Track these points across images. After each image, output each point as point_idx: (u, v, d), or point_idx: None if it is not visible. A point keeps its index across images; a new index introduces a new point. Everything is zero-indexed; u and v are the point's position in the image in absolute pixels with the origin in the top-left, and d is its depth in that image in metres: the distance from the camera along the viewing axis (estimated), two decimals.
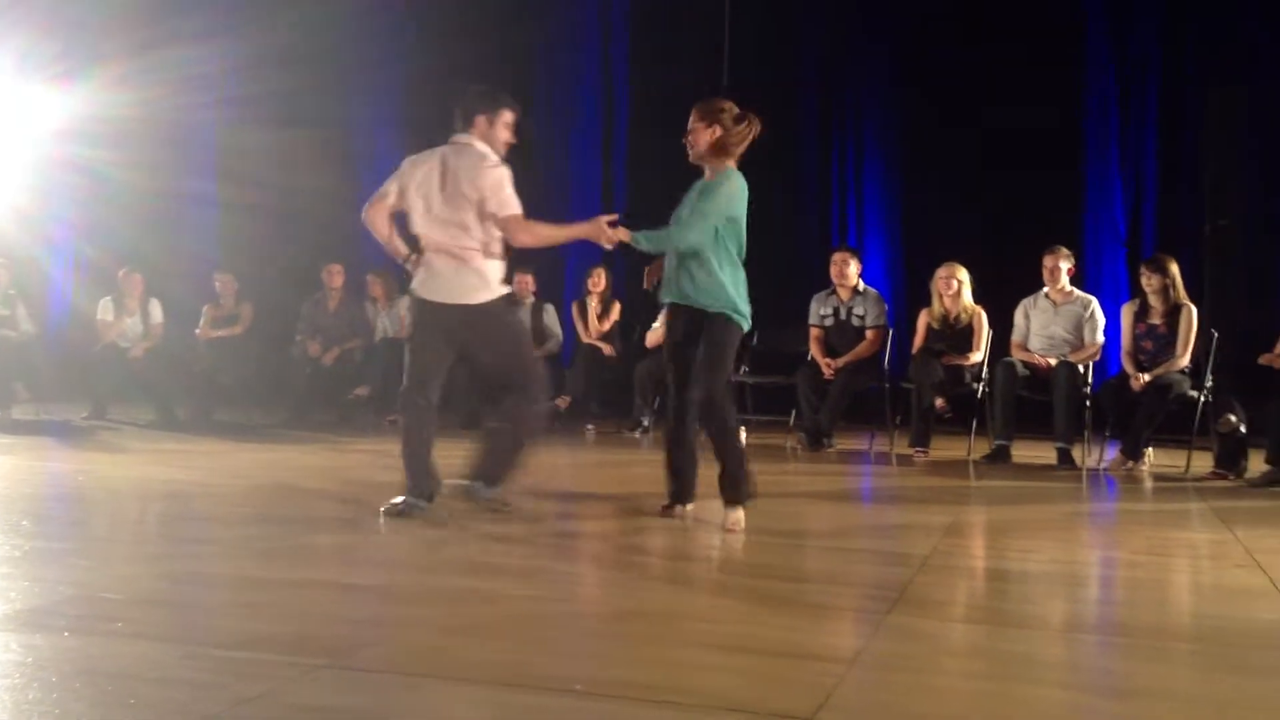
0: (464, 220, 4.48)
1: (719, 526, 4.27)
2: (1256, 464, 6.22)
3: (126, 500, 4.96)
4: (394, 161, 4.83)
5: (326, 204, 10.15)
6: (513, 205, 4.48)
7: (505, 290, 4.61)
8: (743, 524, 4.25)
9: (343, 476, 5.71)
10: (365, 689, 2.30)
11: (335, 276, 9.21)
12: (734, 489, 4.35)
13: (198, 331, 9.31)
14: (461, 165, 4.50)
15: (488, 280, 4.51)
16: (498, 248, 4.57)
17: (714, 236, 4.34)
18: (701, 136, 4.42)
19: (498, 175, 4.49)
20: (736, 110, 4.44)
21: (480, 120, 4.60)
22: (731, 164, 4.43)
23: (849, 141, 10.25)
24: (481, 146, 4.57)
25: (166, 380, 8.77)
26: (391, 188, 4.60)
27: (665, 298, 4.52)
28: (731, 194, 4.36)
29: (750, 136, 4.43)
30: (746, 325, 4.42)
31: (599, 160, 11.01)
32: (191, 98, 10.62)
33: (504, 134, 4.65)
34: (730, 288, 4.34)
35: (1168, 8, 9.35)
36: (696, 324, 4.37)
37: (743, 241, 4.42)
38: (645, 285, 4.72)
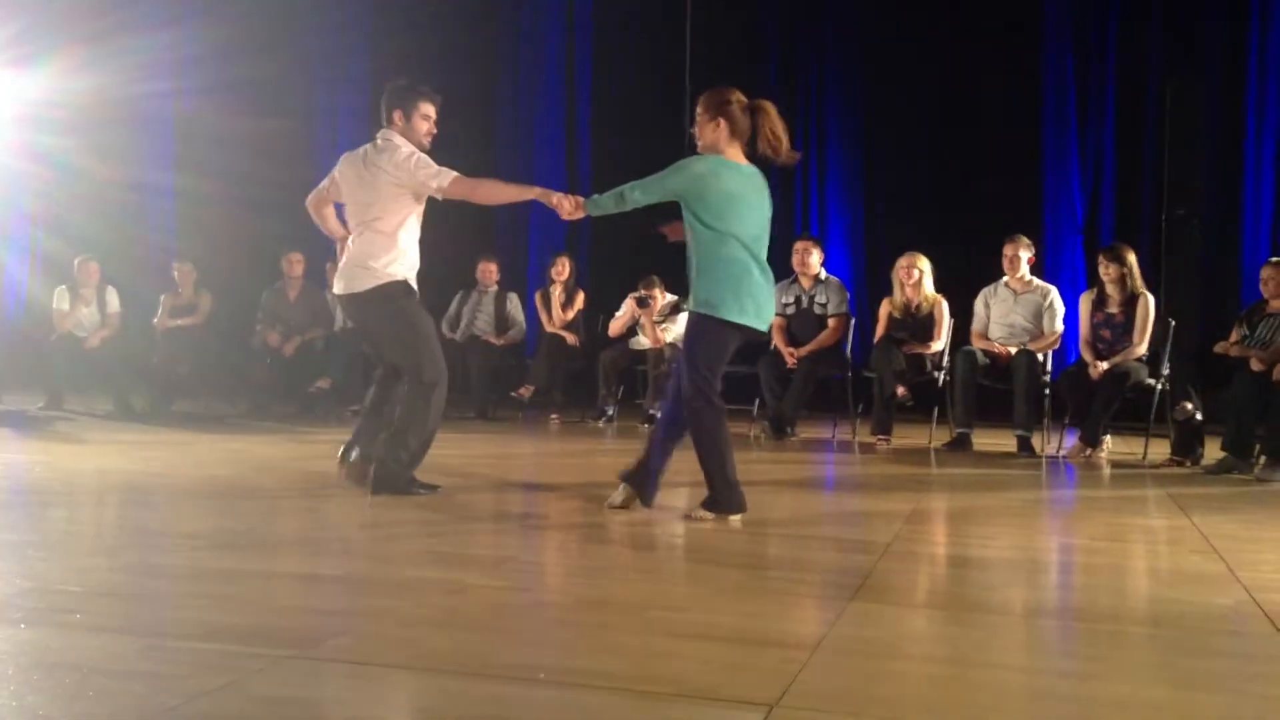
0: (375, 214, 4.66)
1: (681, 515, 4.28)
2: (1212, 451, 6.30)
3: (84, 492, 4.91)
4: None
5: (287, 193, 10.03)
6: (448, 172, 4.62)
7: (395, 278, 4.68)
8: (709, 519, 4.20)
9: (304, 468, 5.67)
10: (329, 680, 2.29)
11: (296, 265, 9.13)
12: (710, 491, 4.24)
13: (156, 321, 9.21)
14: (379, 161, 4.66)
15: (373, 269, 4.65)
16: (407, 240, 4.72)
17: (694, 226, 4.22)
18: (705, 130, 4.28)
19: (416, 158, 4.64)
20: (744, 100, 4.28)
21: (397, 115, 4.77)
22: (735, 152, 4.27)
23: (811, 131, 10.28)
24: (398, 140, 4.71)
25: (123, 370, 8.68)
26: (326, 181, 4.89)
27: None
28: (697, 174, 4.19)
29: (763, 127, 4.22)
30: (731, 317, 4.19)
31: (563, 153, 10.98)
32: (151, 85, 10.51)
33: (423, 126, 4.79)
34: (706, 282, 4.20)
35: None
36: None
37: (732, 231, 4.18)
38: (669, 239, 4.56)
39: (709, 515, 4.21)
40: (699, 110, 4.31)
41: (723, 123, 4.25)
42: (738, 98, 4.28)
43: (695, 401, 4.22)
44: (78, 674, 2.25)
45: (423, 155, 4.66)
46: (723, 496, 4.22)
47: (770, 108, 4.29)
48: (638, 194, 4.28)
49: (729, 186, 4.21)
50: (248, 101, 10.37)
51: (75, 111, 10.05)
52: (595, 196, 4.41)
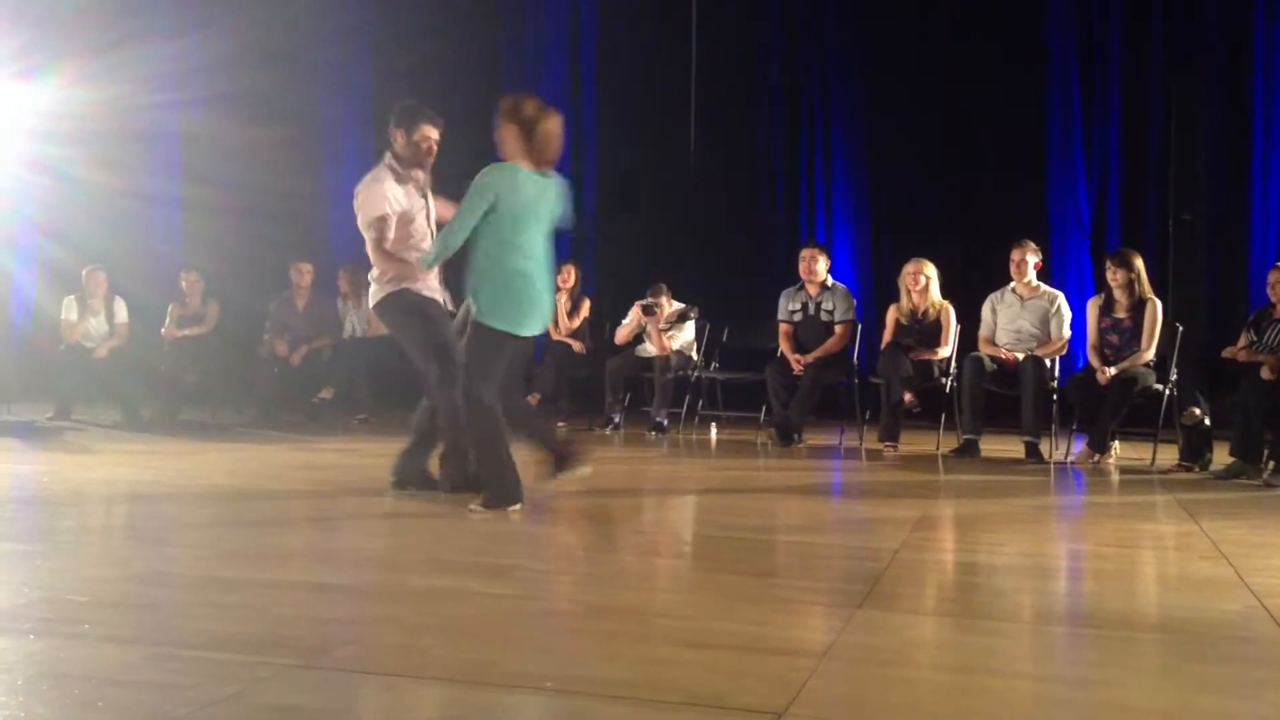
0: (368, 237, 4.88)
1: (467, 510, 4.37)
2: (1221, 456, 6.29)
3: (92, 501, 4.92)
4: (362, 160, 4.94)
5: (294, 202, 10.11)
6: (371, 231, 4.80)
7: (390, 290, 4.83)
8: (487, 513, 4.40)
9: (311, 476, 5.68)
10: (336, 689, 2.29)
11: (304, 275, 9.15)
12: (485, 488, 4.48)
13: (163, 331, 9.23)
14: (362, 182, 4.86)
15: (379, 282, 4.87)
16: (399, 251, 4.85)
17: (484, 235, 4.37)
18: (501, 138, 4.44)
19: (363, 199, 4.79)
20: (535, 107, 4.42)
21: (399, 134, 4.92)
22: (527, 160, 4.40)
23: (817, 138, 10.27)
24: (385, 168, 4.84)
25: (131, 380, 8.69)
26: None
27: None
28: (497, 182, 4.35)
29: (539, 137, 4.38)
30: (508, 329, 4.42)
31: (568, 157, 10.97)
32: (158, 95, 10.53)
33: (422, 146, 4.89)
34: (489, 292, 4.38)
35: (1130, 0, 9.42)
36: None
37: (519, 242, 4.38)
38: None
39: (487, 510, 4.40)
40: (497, 117, 4.46)
41: (514, 129, 4.41)
42: (531, 105, 4.43)
43: (468, 404, 4.43)
44: (86, 684, 2.26)
45: (378, 196, 4.77)
46: (498, 490, 4.43)
47: (551, 118, 4.43)
48: (451, 241, 4.44)
49: (523, 196, 4.38)
50: (253, 112, 10.39)
51: (82, 122, 10.07)
52: (421, 257, 4.69)
